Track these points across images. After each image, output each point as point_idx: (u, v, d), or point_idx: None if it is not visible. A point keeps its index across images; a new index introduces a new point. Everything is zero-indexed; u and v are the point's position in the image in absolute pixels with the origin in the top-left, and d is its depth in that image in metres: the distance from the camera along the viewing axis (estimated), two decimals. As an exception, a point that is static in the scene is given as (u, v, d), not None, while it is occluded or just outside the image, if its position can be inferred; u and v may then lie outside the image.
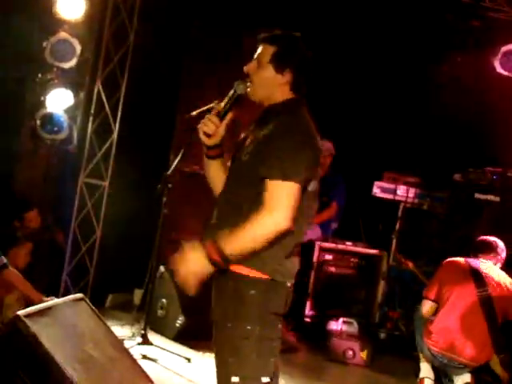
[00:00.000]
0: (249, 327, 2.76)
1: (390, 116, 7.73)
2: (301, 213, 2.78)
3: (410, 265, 6.14)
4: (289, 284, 2.86)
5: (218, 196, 3.01)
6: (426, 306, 5.21)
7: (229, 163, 3.02)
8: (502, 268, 5.26)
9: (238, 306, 2.78)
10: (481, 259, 5.21)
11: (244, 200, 2.81)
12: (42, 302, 4.08)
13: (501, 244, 5.31)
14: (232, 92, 2.93)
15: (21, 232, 5.99)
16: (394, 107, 7.74)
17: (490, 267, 5.16)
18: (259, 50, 2.93)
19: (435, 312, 5.19)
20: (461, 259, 5.24)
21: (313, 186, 2.84)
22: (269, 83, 2.90)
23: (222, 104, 2.93)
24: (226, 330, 2.82)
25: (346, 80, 7.56)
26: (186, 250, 2.77)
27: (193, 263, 2.74)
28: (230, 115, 2.93)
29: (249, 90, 2.92)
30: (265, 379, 2.79)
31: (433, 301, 5.17)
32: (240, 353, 2.78)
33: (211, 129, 2.91)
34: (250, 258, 2.75)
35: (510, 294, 5.06)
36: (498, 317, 4.99)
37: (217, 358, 2.90)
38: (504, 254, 5.31)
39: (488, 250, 5.27)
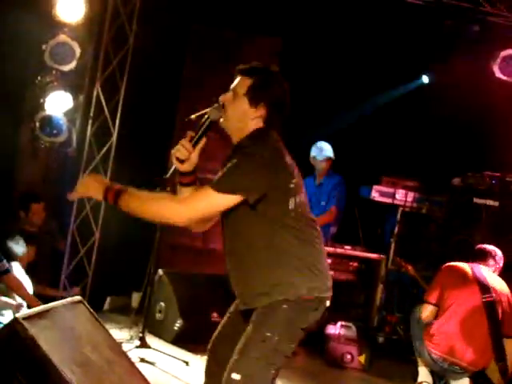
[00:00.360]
0: (268, 334, 2.79)
1: (389, 120, 7.74)
2: (297, 229, 2.85)
3: (410, 268, 6.13)
4: (328, 302, 2.91)
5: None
6: (427, 310, 5.19)
7: None
8: (500, 274, 5.27)
9: (267, 315, 2.83)
10: (481, 266, 5.21)
11: (241, 236, 2.90)
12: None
13: (499, 253, 5.31)
14: (205, 117, 2.94)
15: (24, 224, 6.04)
16: (393, 111, 7.76)
17: (491, 274, 5.17)
18: (236, 81, 2.96)
19: (435, 316, 5.19)
20: (463, 264, 5.24)
21: (297, 201, 2.86)
22: (242, 115, 2.92)
23: (196, 130, 2.94)
24: (245, 332, 2.86)
25: (345, 84, 7.57)
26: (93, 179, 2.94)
27: (90, 188, 2.88)
28: (202, 141, 2.94)
29: (222, 120, 2.94)
30: None
31: (434, 305, 5.16)
32: (249, 353, 2.81)
33: (184, 154, 2.92)
34: (280, 289, 2.83)
35: (510, 304, 5.06)
36: (500, 323, 4.99)
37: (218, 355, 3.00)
38: (502, 263, 5.31)
39: (486, 257, 5.27)
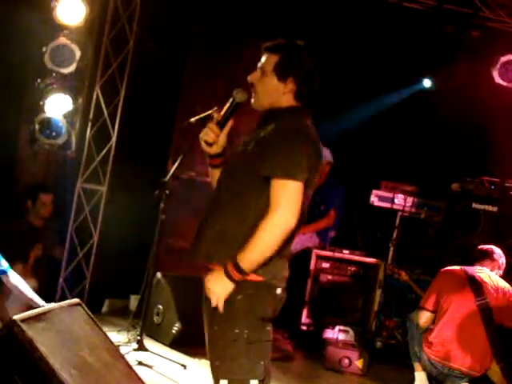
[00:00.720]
0: (237, 330, 2.78)
1: (388, 125, 7.75)
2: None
3: (403, 274, 6.09)
4: (279, 290, 2.86)
5: (212, 193, 3.01)
6: (424, 317, 5.20)
7: None
8: (502, 275, 5.26)
9: (226, 310, 2.79)
10: (477, 267, 5.22)
11: (240, 195, 2.82)
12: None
13: (497, 250, 5.31)
14: (231, 100, 2.95)
15: (30, 216, 6.06)
16: (392, 116, 7.77)
17: (485, 273, 5.16)
18: (263, 58, 2.94)
19: (433, 321, 5.19)
20: (457, 267, 5.25)
21: (309, 191, 2.85)
22: (272, 92, 2.91)
23: (222, 113, 2.95)
24: (214, 333, 2.85)
25: (345, 88, 7.57)
26: (209, 283, 2.83)
27: (220, 291, 2.78)
28: (229, 124, 2.95)
29: (252, 100, 2.94)
30: (254, 382, 2.80)
31: (431, 311, 5.17)
32: (228, 356, 2.79)
33: (211, 137, 2.93)
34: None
35: (506, 300, 5.06)
36: (496, 325, 4.99)
37: (209, 360, 2.92)
38: (503, 260, 5.30)
39: (482, 257, 5.28)
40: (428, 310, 5.18)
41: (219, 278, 2.77)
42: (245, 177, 2.83)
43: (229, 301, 2.79)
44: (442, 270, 5.30)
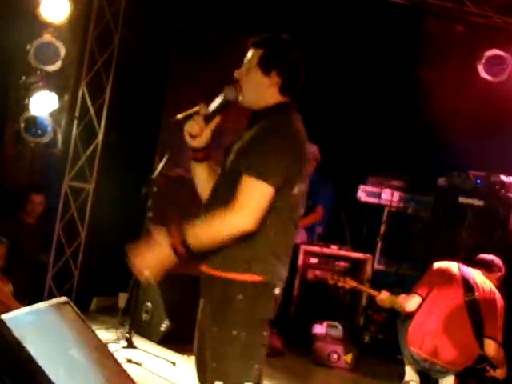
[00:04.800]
0: (234, 332, 2.75)
1: (375, 120, 7.76)
2: (287, 215, 2.81)
3: (348, 280, 5.81)
4: (278, 290, 2.86)
5: (205, 200, 3.00)
6: (414, 302, 5.18)
7: (218, 170, 3.00)
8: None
9: (225, 311, 2.78)
10: (472, 269, 5.24)
11: (227, 200, 2.77)
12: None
13: (497, 262, 5.32)
14: (221, 97, 2.93)
15: (22, 214, 6.12)
16: (379, 111, 7.78)
17: (479, 276, 5.18)
18: (249, 54, 2.94)
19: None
20: (453, 264, 5.26)
21: (298, 189, 2.83)
22: (257, 86, 2.90)
23: (210, 108, 2.93)
24: (211, 334, 2.82)
25: (331, 84, 7.58)
26: (152, 239, 2.77)
27: (157, 253, 2.73)
28: (216, 120, 2.93)
29: (239, 97, 2.92)
30: None
31: (422, 298, 5.17)
32: (224, 358, 2.77)
33: (195, 130, 2.91)
34: (236, 260, 2.76)
35: (493, 304, 5.08)
36: (483, 321, 5.01)
37: (199, 362, 2.91)
38: (501, 273, 5.31)
39: (480, 265, 5.30)
40: (420, 296, 5.18)
41: (163, 242, 2.72)
42: (232, 185, 2.78)
43: (228, 301, 2.77)
44: (437, 264, 5.30)
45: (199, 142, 2.95)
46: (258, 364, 2.83)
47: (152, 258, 2.74)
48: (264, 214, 2.71)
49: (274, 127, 2.80)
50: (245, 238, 2.73)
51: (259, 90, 2.90)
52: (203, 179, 3.03)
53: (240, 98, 2.93)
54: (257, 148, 2.75)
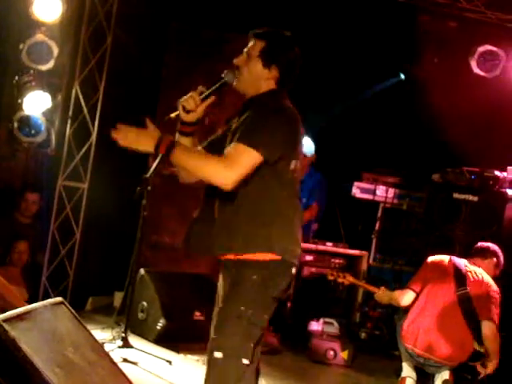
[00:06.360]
0: (242, 308, 2.87)
1: (369, 117, 7.78)
2: (292, 191, 2.98)
3: (348, 276, 5.78)
4: (294, 269, 2.99)
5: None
6: (408, 296, 5.18)
7: (198, 147, 3.13)
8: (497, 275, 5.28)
9: (238, 289, 2.90)
10: (466, 260, 5.23)
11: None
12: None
13: (493, 249, 5.30)
14: (220, 79, 3.05)
15: (17, 214, 6.13)
16: (372, 108, 7.79)
17: (471, 268, 5.18)
18: (250, 43, 3.07)
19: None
20: (445, 257, 5.26)
21: (294, 165, 2.96)
22: (256, 76, 3.04)
23: (208, 88, 3.05)
24: (220, 309, 2.96)
25: (324, 80, 7.58)
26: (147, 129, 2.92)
27: (142, 135, 2.90)
28: (211, 98, 3.04)
29: (235, 82, 3.05)
30: (245, 361, 2.89)
31: (416, 293, 5.17)
32: (226, 330, 2.89)
33: (190, 105, 3.02)
34: (256, 241, 2.88)
35: (485, 293, 5.08)
36: (476, 314, 5.01)
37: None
38: (497, 260, 5.29)
39: (475, 253, 5.30)
40: (414, 291, 5.18)
41: (151, 136, 2.87)
42: None
43: (243, 281, 2.88)
44: (430, 259, 5.30)
45: (192, 117, 3.06)
46: (253, 343, 2.92)
47: (135, 135, 2.92)
48: (245, 178, 2.83)
49: (267, 106, 2.93)
50: (259, 217, 2.88)
51: (257, 80, 3.05)
52: None
53: (235, 83, 3.06)
54: (251, 124, 2.89)
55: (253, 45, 3.06)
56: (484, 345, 4.96)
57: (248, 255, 2.89)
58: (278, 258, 2.89)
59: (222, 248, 2.96)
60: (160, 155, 2.85)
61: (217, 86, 3.04)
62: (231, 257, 2.94)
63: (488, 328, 4.92)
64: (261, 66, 3.03)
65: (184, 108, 3.02)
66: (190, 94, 3.02)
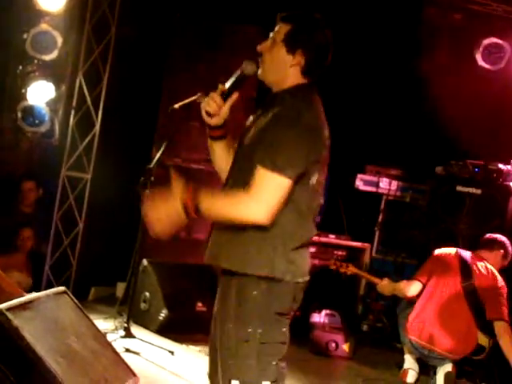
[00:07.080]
0: (250, 329, 2.66)
1: (373, 109, 7.75)
2: (305, 207, 2.69)
3: (350, 267, 5.78)
4: (301, 280, 2.76)
5: (223, 183, 2.88)
6: (415, 287, 5.18)
7: (235, 146, 2.88)
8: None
9: (240, 307, 2.69)
10: (471, 252, 5.23)
11: (242, 185, 2.65)
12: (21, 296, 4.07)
13: (501, 241, 5.30)
14: (238, 72, 2.79)
15: (18, 204, 6.19)
16: (376, 100, 7.76)
17: (478, 259, 5.18)
18: (276, 28, 2.79)
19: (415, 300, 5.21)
20: (452, 250, 5.26)
21: (316, 179, 2.71)
22: (279, 63, 2.75)
23: (227, 84, 2.79)
24: (228, 330, 2.71)
25: (327, 73, 7.55)
26: (169, 189, 2.64)
27: (169, 206, 2.63)
28: (234, 96, 2.79)
29: (259, 70, 2.78)
30: (266, 383, 2.70)
31: (423, 284, 5.17)
32: (240, 356, 2.68)
33: (213, 108, 2.77)
34: (259, 261, 2.65)
35: (491, 287, 5.08)
36: (482, 306, 5.01)
37: (213, 356, 2.79)
38: (504, 251, 5.28)
39: (483, 245, 5.30)
40: (420, 282, 5.18)
41: (178, 197, 2.60)
42: (245, 172, 2.67)
43: (243, 297, 2.68)
44: (437, 252, 5.31)
45: (217, 120, 2.81)
46: (276, 361, 2.74)
47: (164, 210, 2.65)
48: (280, 207, 2.59)
49: (290, 114, 2.64)
50: (262, 234, 2.63)
51: (281, 67, 2.75)
52: (220, 158, 2.92)
53: (259, 72, 2.78)
54: (272, 139, 2.61)
55: (278, 29, 2.75)
56: (498, 342, 4.95)
57: (247, 271, 2.66)
58: (280, 279, 2.66)
59: (225, 262, 2.74)
60: (162, 149, 2.69)
61: (237, 81, 2.76)
62: (231, 270, 2.71)
63: (500, 328, 4.91)
64: (284, 52, 2.71)
65: (208, 113, 2.78)
66: (210, 95, 2.76)
